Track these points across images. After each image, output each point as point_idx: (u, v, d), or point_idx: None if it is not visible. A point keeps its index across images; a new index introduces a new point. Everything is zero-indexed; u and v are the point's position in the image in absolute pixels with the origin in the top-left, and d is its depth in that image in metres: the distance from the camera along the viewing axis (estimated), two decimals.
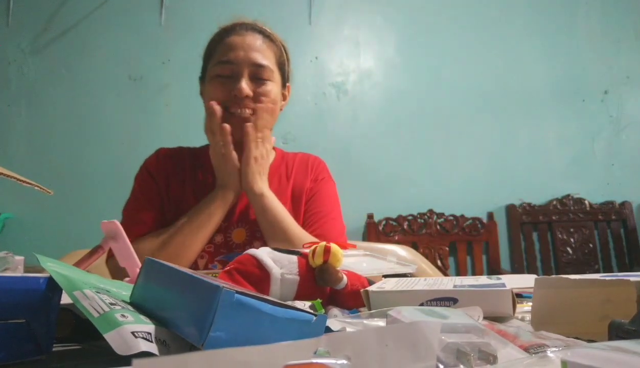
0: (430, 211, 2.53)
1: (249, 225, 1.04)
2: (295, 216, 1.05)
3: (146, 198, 1.05)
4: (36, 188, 0.74)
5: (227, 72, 1.01)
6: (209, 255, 1.02)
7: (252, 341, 0.31)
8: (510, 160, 2.63)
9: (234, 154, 1.01)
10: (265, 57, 1.03)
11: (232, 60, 1.01)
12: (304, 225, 1.05)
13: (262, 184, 1.01)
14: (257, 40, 1.04)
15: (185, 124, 2.34)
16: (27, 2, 2.44)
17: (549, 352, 0.33)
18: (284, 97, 1.13)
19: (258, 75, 1.02)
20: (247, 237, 1.03)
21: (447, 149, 2.60)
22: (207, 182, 1.07)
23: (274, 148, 1.16)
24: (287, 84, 1.13)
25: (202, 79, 1.10)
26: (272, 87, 1.04)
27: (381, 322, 0.46)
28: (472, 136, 2.62)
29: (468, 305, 0.50)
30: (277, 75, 1.06)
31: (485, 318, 0.47)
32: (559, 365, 0.27)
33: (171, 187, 1.06)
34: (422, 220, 2.52)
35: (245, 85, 0.99)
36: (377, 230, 2.45)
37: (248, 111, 1.01)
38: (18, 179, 0.73)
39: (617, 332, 0.37)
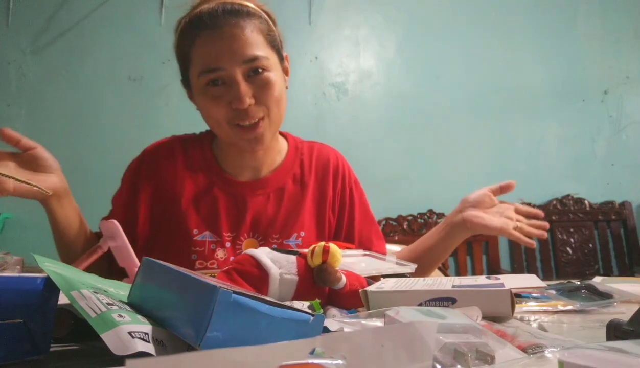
0: (430, 211, 2.53)
1: (262, 236, 0.95)
2: (319, 226, 0.98)
3: None
4: (35, 188, 0.74)
5: (217, 79, 0.85)
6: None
7: (250, 341, 0.31)
8: (510, 160, 2.63)
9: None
10: (255, 45, 0.85)
11: (219, 66, 0.83)
12: (358, 244, 0.98)
13: None
14: (238, 28, 0.84)
15: (185, 123, 2.33)
16: (27, 2, 2.44)
17: (546, 352, 0.33)
18: (286, 71, 0.96)
19: (253, 68, 0.85)
20: (260, 247, 0.95)
21: (447, 148, 2.60)
22: (199, 180, 0.98)
23: (285, 135, 1.05)
24: (285, 55, 0.95)
25: (186, 83, 0.97)
26: (273, 75, 0.87)
27: (379, 322, 0.46)
28: (472, 136, 2.62)
29: (467, 305, 0.50)
30: (273, 56, 0.89)
31: (484, 318, 0.46)
32: (557, 365, 0.27)
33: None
34: (422, 220, 2.51)
35: (244, 94, 0.83)
36: None
37: (256, 118, 0.87)
38: (18, 179, 0.73)
39: (615, 332, 0.37)
